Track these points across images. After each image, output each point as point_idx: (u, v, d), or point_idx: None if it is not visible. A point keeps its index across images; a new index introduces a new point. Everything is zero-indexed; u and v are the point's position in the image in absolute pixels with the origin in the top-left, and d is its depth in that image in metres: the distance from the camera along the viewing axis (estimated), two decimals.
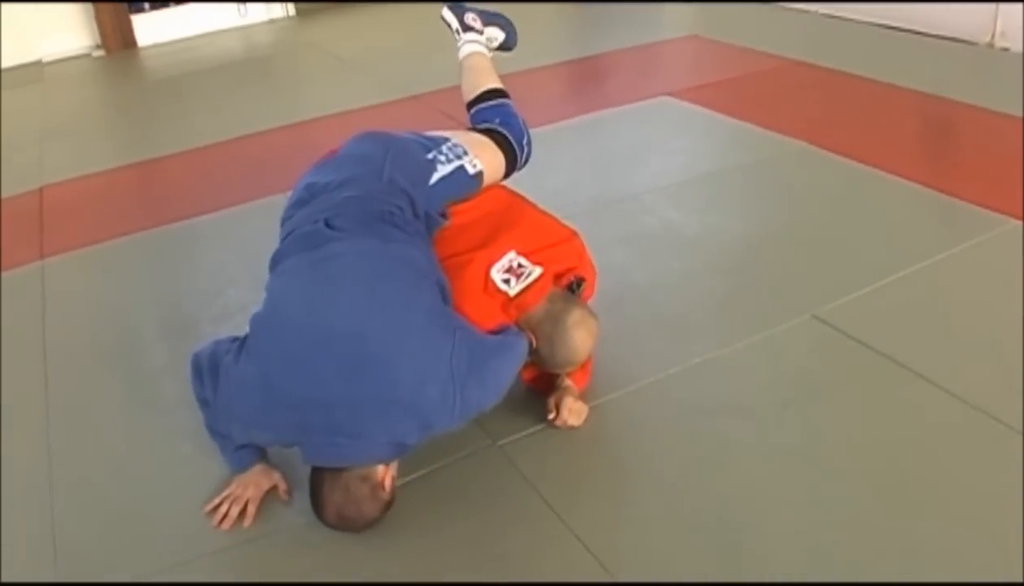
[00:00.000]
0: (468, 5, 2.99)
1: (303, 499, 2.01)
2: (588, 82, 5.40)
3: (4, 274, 3.51)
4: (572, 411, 2.19)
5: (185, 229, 3.75)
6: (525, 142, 2.62)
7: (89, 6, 7.17)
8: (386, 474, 1.92)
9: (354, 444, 1.86)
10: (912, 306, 2.61)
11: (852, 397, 2.26)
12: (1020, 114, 3.79)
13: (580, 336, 2.16)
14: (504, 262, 2.22)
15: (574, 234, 2.43)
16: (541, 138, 4.14)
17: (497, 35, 3.02)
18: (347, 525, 1.93)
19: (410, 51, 6.29)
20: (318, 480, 1.92)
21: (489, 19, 3.01)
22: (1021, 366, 2.23)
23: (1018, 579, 1.70)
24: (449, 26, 2.97)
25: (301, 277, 2.02)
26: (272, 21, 7.82)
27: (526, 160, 2.64)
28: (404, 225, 2.12)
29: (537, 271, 2.22)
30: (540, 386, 2.31)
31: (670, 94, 4.59)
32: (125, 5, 7.25)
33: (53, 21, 7.19)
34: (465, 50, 2.91)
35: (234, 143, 4.77)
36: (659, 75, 5.09)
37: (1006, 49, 4.80)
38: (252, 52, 7.24)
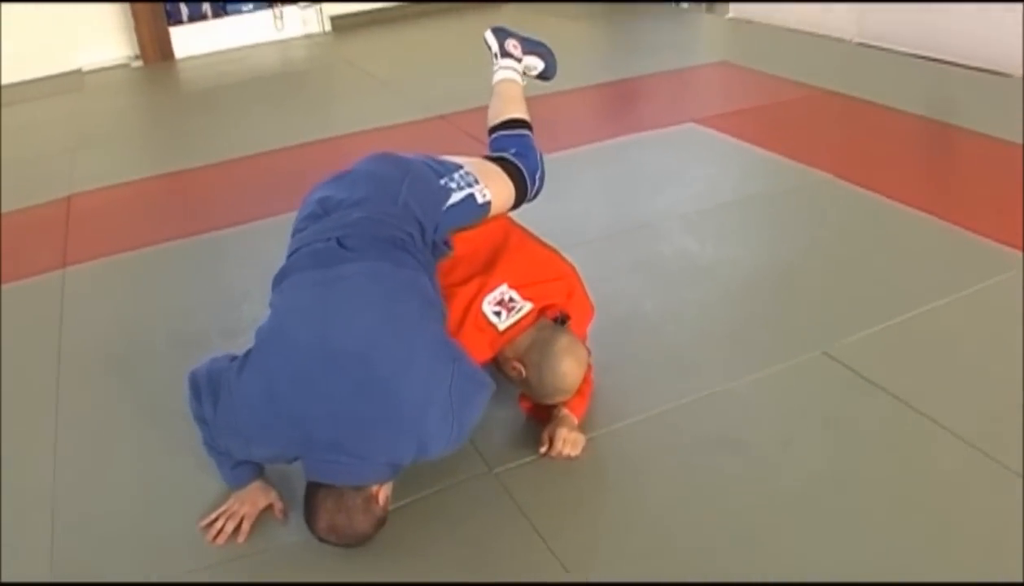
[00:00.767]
0: (512, 31, 2.99)
1: (298, 518, 2.00)
2: (616, 106, 5.40)
3: (26, 281, 3.57)
4: (567, 442, 2.17)
5: (209, 242, 3.78)
6: (538, 176, 2.59)
7: (129, 17, 7.28)
8: (380, 489, 1.92)
9: (355, 464, 1.87)
10: (925, 346, 2.56)
11: (856, 437, 2.22)
12: None
13: (568, 364, 2.15)
14: (496, 294, 2.22)
15: (572, 270, 2.41)
16: (564, 161, 4.18)
17: (536, 64, 3.01)
18: (337, 536, 1.92)
19: (441, 71, 6.32)
20: (312, 487, 1.92)
21: (530, 47, 2.99)
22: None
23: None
24: (489, 48, 2.99)
25: (311, 294, 2.02)
26: (308, 36, 7.91)
27: (536, 193, 2.61)
28: (415, 252, 2.13)
29: (528, 306, 2.22)
30: (538, 415, 2.29)
31: (697, 121, 4.57)
32: (164, 16, 7.36)
33: (94, 31, 7.33)
34: (499, 76, 2.91)
35: (264, 157, 4.81)
36: (687, 101, 5.07)
37: None
38: (287, 66, 7.32)
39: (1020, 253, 2.93)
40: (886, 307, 2.72)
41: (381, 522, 1.95)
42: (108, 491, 2.32)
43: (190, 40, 7.51)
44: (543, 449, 2.19)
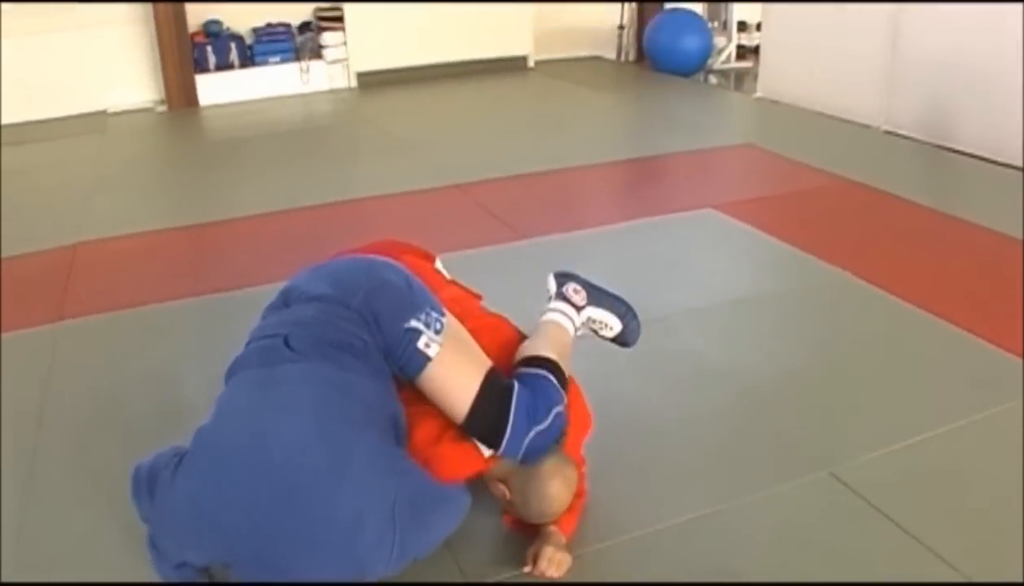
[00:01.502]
0: (579, 276, 2.49)
1: None
2: (634, 186, 5.33)
3: (19, 333, 3.49)
4: (552, 562, 2.04)
5: (211, 304, 3.70)
6: (523, 434, 2.02)
7: (157, 62, 7.31)
8: None
9: (281, 580, 1.76)
10: (938, 473, 2.43)
11: (857, 569, 2.09)
12: None
13: (555, 487, 2.03)
14: None
15: (570, 381, 2.28)
16: (575, 242, 4.12)
17: (609, 321, 2.46)
18: None
19: (461, 136, 6.31)
20: None
21: (600, 299, 2.46)
22: None
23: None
24: (548, 290, 2.47)
25: (249, 397, 1.93)
26: (333, 91, 7.92)
27: (503, 446, 2.03)
28: (366, 357, 2.00)
29: None
30: (524, 530, 2.17)
31: (716, 206, 4.49)
32: (191, 64, 7.39)
33: (122, 73, 7.38)
34: (547, 317, 2.39)
35: (277, 216, 4.76)
36: (708, 185, 5.00)
37: None
38: (309, 122, 7.32)
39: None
40: (899, 427, 2.60)
41: None
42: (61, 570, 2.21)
43: (216, 88, 7.53)
44: (527, 569, 2.06)
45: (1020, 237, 3.92)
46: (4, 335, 3.47)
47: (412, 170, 5.47)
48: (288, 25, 7.84)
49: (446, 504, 1.90)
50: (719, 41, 8.55)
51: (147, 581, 1.98)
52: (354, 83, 8.02)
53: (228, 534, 1.77)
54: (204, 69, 7.49)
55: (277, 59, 7.72)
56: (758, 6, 7.62)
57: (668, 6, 8.56)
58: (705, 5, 8.92)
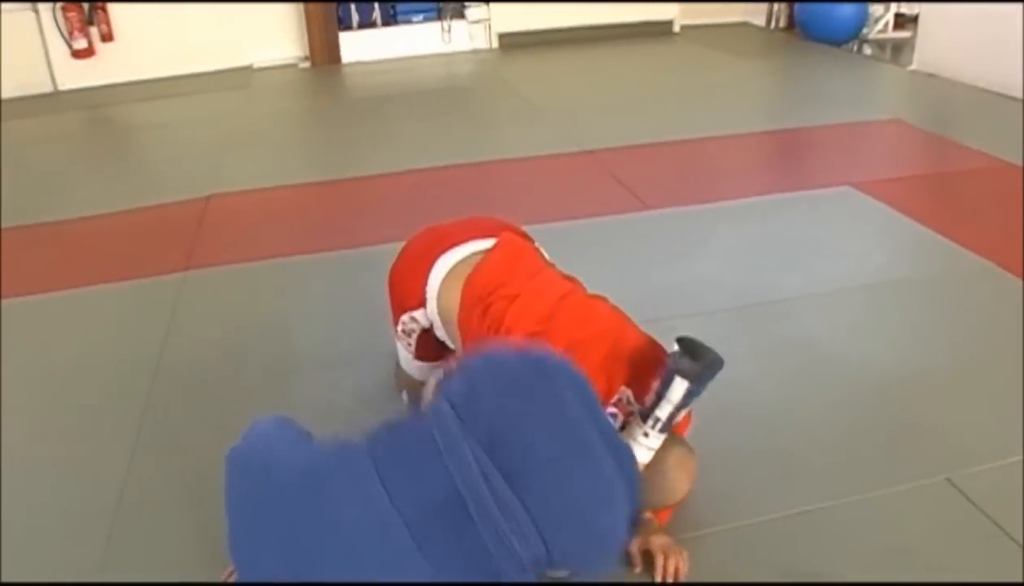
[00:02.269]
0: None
1: None
2: (771, 159, 5.12)
3: (147, 280, 3.61)
4: (671, 555, 1.94)
5: (335, 260, 3.73)
6: None
7: (302, 19, 7.43)
8: None
9: None
10: None
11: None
12: None
13: (681, 481, 1.97)
14: (616, 398, 1.96)
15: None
16: (703, 215, 3.99)
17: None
18: None
19: (598, 102, 6.20)
20: None
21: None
22: None
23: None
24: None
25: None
26: (474, 52, 7.90)
27: None
28: None
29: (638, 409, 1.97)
30: None
31: (856, 184, 4.26)
32: (335, 21, 7.48)
33: (269, 30, 7.54)
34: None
35: (410, 175, 4.78)
36: (849, 161, 4.75)
37: None
38: (448, 82, 7.32)
39: None
40: None
41: None
42: (168, 511, 2.28)
43: (358, 45, 7.62)
44: (637, 569, 1.96)
45: None
46: (133, 282, 3.60)
47: (545, 134, 5.41)
48: None
49: None
50: (876, 9, 8.11)
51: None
52: (495, 44, 7.99)
53: None
54: (347, 27, 7.59)
55: (419, 18, 7.75)
56: None
57: None
58: None
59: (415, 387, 2.42)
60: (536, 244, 2.46)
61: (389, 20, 7.69)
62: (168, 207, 4.42)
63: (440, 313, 2.24)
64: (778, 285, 3.32)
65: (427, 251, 2.30)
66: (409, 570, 1.51)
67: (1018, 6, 5.58)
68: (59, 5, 6.95)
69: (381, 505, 1.53)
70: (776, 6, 8.58)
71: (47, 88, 7.17)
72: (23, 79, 6.99)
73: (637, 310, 2.22)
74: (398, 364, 2.54)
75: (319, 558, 1.55)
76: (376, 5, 7.58)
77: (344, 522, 1.56)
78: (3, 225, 4.27)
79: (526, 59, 7.72)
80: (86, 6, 7.01)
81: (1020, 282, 3.25)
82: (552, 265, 2.32)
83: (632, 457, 1.74)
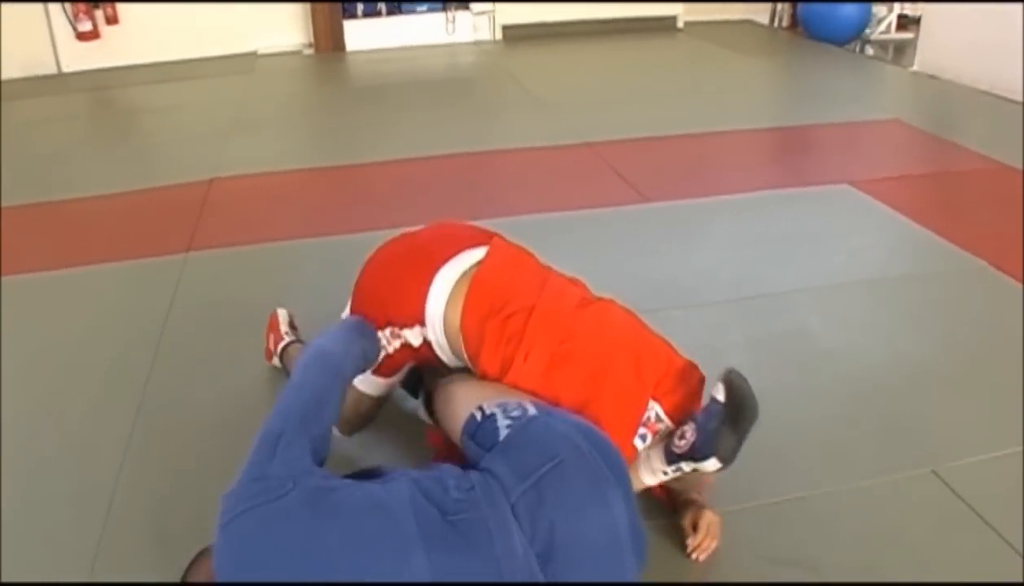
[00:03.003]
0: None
1: None
2: (771, 156, 5.15)
3: (150, 260, 3.64)
4: (712, 529, 2.04)
5: (334, 245, 3.76)
6: None
7: (307, 7, 7.46)
8: None
9: None
10: None
11: (944, 572, 1.98)
12: None
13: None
14: (645, 417, 2.01)
15: (694, 367, 2.14)
16: (703, 209, 4.02)
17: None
18: None
19: (601, 95, 6.23)
20: None
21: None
22: None
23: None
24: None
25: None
26: (477, 43, 7.93)
27: None
28: None
29: (671, 427, 2.03)
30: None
31: (854, 183, 4.29)
32: (340, 10, 7.51)
33: (273, 17, 7.57)
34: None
35: (410, 163, 4.82)
36: (848, 160, 4.78)
37: None
38: (451, 72, 7.35)
39: None
40: (1015, 431, 2.44)
41: None
42: (166, 486, 2.31)
43: (362, 34, 7.66)
44: (690, 541, 2.03)
45: None
46: (136, 261, 3.64)
47: (546, 126, 5.45)
48: None
49: None
50: (879, 10, 8.15)
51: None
52: (499, 35, 8.02)
53: None
54: (352, 15, 7.62)
55: (424, 8, 7.77)
56: None
57: None
58: None
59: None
60: (524, 247, 2.39)
61: (394, 10, 7.71)
62: (171, 189, 4.45)
63: (447, 334, 2.15)
64: (774, 279, 3.36)
65: (415, 266, 2.20)
66: None
67: (1018, 7, 5.61)
68: None
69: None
70: (780, 5, 8.61)
71: (51, 70, 7.20)
72: (27, 60, 7.02)
73: (634, 301, 2.26)
74: None
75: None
76: None
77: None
78: (7, 204, 4.30)
79: (529, 51, 7.74)
80: None
81: (1012, 282, 3.29)
82: (550, 268, 2.29)
83: (645, 544, 1.78)
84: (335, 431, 2.01)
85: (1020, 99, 5.69)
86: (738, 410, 1.93)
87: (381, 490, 1.67)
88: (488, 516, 1.62)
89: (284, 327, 2.81)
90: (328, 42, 7.56)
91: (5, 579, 2.00)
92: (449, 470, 1.75)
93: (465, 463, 1.83)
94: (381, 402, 2.34)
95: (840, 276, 3.39)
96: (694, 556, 2.01)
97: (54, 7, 7.00)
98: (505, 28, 7.98)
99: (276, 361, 2.77)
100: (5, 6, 6.77)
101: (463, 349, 2.13)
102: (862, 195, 4.16)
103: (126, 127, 6.18)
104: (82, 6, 7.01)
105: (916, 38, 7.13)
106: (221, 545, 1.59)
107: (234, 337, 3.03)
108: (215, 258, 3.67)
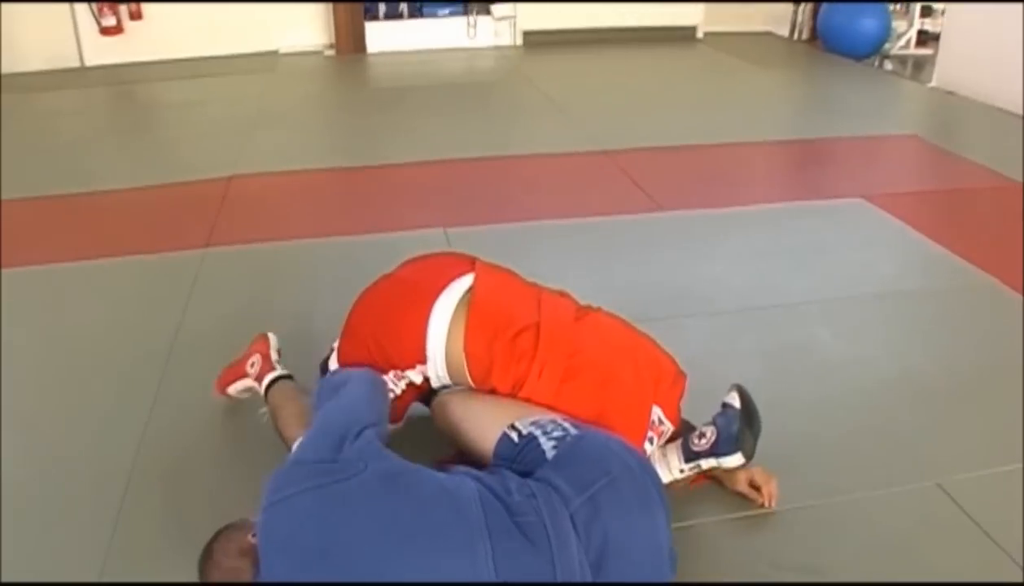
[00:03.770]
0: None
1: None
2: (786, 168, 5.18)
3: (165, 255, 3.69)
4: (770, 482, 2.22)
5: (352, 245, 3.80)
6: None
7: (329, 8, 7.52)
8: None
9: None
10: None
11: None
12: None
13: None
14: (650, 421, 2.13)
15: (679, 368, 2.25)
16: (717, 220, 4.04)
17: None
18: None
19: (619, 104, 6.27)
20: None
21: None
22: None
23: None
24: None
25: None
26: (498, 48, 7.98)
27: None
28: None
29: (670, 428, 2.15)
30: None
31: (868, 197, 4.31)
32: (362, 12, 7.57)
33: (296, 17, 7.62)
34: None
35: (428, 166, 4.87)
36: (863, 174, 4.80)
37: None
38: (471, 76, 7.40)
39: None
40: (1019, 447, 2.46)
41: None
42: (180, 479, 2.35)
43: (384, 36, 7.71)
44: (762, 501, 2.22)
45: None
46: (156, 256, 3.69)
47: (564, 132, 5.49)
48: None
49: None
50: (899, 25, 8.16)
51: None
52: (519, 41, 8.06)
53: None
54: (374, 17, 7.68)
55: (446, 12, 7.83)
56: None
57: None
58: None
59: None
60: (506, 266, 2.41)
61: (415, 12, 7.77)
62: (191, 185, 4.51)
63: (449, 364, 2.16)
64: (785, 290, 3.39)
65: (408, 304, 2.21)
66: None
67: None
68: None
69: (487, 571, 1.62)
70: (800, 18, 8.63)
71: (74, 63, 7.27)
72: (51, 53, 7.11)
73: (646, 308, 2.31)
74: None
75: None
76: None
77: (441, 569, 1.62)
78: (28, 195, 4.36)
79: (549, 57, 7.78)
80: None
81: (1020, 299, 3.31)
82: (536, 283, 2.33)
83: (676, 561, 1.86)
84: None
85: None
86: (751, 415, 2.18)
87: (449, 480, 1.76)
88: (549, 522, 1.70)
89: (275, 355, 2.60)
90: (349, 43, 7.62)
91: (7, 579, 2.02)
92: (508, 475, 1.82)
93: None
94: None
95: (851, 289, 3.41)
96: (770, 504, 2.20)
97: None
98: (526, 34, 8.03)
99: (237, 392, 2.60)
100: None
101: (467, 373, 2.16)
102: (876, 210, 4.18)
103: (148, 122, 6.25)
104: (106, 1, 7.08)
105: (935, 54, 7.15)
106: (272, 520, 1.66)
107: (250, 333, 3.05)
108: (234, 255, 3.71)
